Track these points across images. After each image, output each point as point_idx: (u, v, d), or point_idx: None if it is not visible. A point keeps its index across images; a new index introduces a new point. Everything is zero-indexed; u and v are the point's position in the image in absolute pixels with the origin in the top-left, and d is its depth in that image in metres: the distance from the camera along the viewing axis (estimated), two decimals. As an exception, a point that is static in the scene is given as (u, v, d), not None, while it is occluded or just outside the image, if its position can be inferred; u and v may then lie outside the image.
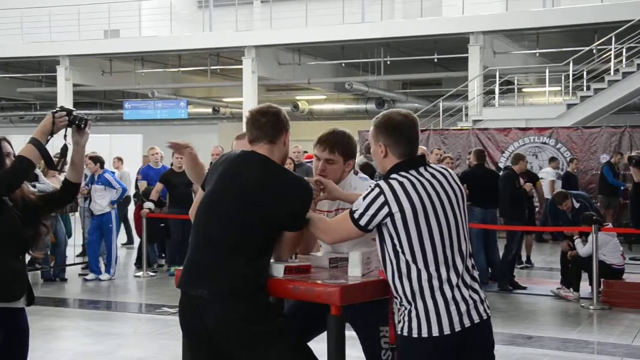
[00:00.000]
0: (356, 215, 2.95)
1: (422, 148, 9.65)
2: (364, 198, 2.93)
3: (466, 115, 17.23)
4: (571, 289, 8.56)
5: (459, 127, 16.61)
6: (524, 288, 9.25)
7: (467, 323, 2.87)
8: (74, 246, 11.23)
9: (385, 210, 2.87)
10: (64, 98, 21.20)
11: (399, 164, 2.98)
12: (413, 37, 18.10)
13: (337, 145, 3.52)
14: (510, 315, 7.87)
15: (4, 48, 21.43)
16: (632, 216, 8.06)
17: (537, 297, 8.92)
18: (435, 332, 2.85)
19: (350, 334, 3.24)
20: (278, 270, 3.20)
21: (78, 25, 20.24)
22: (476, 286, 2.96)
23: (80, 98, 23.98)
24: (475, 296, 2.93)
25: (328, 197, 3.44)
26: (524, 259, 11.01)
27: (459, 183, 3.06)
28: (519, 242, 9.38)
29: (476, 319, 2.90)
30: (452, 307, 2.85)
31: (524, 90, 20.31)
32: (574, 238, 8.51)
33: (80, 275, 10.34)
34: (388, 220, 2.88)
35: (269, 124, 3.17)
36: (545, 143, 14.94)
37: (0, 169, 3.16)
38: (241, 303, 3.00)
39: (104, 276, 9.98)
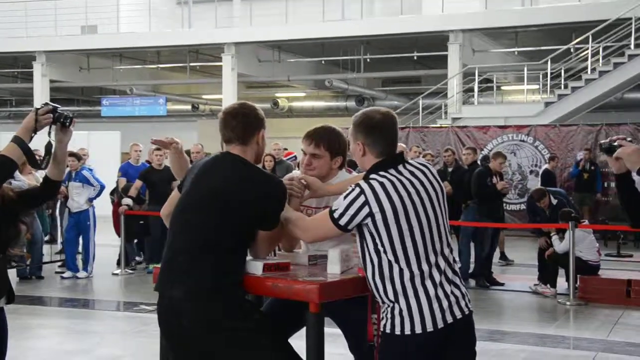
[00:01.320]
0: (336, 215, 2.94)
1: (401, 145, 9.74)
2: (345, 197, 2.93)
3: (445, 113, 17.29)
4: (548, 285, 8.63)
5: (439, 125, 16.66)
6: (502, 284, 9.31)
7: (449, 319, 2.88)
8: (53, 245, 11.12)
9: (366, 210, 2.87)
10: (41, 94, 21.00)
11: (379, 164, 2.97)
12: (393, 35, 18.12)
13: (323, 140, 3.50)
14: (488, 312, 7.92)
15: (-20, 43, 21.17)
16: (628, 214, 8.09)
17: (514, 293, 9.00)
18: (418, 330, 2.85)
19: (329, 330, 3.24)
20: (257, 267, 3.19)
21: (55, 21, 20.04)
22: (457, 281, 2.97)
23: (58, 94, 23.73)
24: (457, 292, 2.94)
25: (313, 196, 3.43)
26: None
27: (438, 179, 3.07)
28: (491, 238, 9.42)
29: (458, 314, 2.91)
30: (435, 304, 2.86)
31: (502, 88, 20.42)
32: (551, 235, 8.57)
33: (57, 272, 10.25)
34: (369, 220, 2.88)
35: (239, 125, 3.16)
36: (523, 141, 15.05)
37: None
38: (216, 302, 2.99)
39: (82, 274, 9.90)
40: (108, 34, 20.64)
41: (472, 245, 9.52)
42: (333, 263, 3.26)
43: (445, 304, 2.88)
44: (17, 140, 3.07)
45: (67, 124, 3.31)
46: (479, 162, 10.53)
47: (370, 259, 2.93)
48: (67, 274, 9.91)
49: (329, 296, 3.10)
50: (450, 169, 10.57)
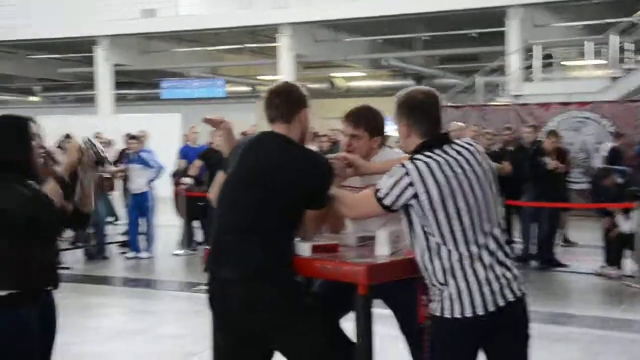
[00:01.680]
0: (380, 194, 2.90)
1: (458, 124, 9.58)
2: (390, 177, 2.89)
3: (505, 90, 16.94)
4: (615, 267, 8.40)
5: (499, 103, 16.34)
6: (565, 266, 9.10)
7: (500, 302, 2.82)
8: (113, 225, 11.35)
9: (411, 191, 2.83)
10: (103, 78, 21.44)
11: (423, 144, 2.92)
12: (451, 12, 17.79)
13: (361, 120, 3.53)
14: (551, 294, 7.77)
15: (44, 29, 21.64)
16: None
17: (578, 275, 8.78)
18: (468, 313, 2.80)
19: (382, 311, 3.21)
20: (305, 249, 3.18)
21: (117, 5, 20.36)
22: (509, 263, 2.90)
23: (119, 78, 24.19)
24: (509, 274, 2.87)
25: (356, 173, 3.42)
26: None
27: (487, 158, 3.00)
28: (550, 219, 9.19)
29: (510, 297, 2.84)
30: (485, 287, 2.81)
31: (565, 64, 19.88)
32: (617, 214, 8.33)
33: (121, 253, 10.48)
34: (414, 201, 2.83)
35: (283, 103, 3.16)
36: (587, 118, 14.63)
37: (27, 153, 3.15)
38: (266, 283, 3.00)
39: (144, 254, 10.10)
40: (168, 17, 20.86)
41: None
42: (382, 244, 3.23)
43: (496, 286, 2.82)
44: (60, 179, 3.12)
45: (102, 162, 3.34)
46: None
47: (418, 241, 2.90)
48: (130, 254, 10.13)
49: (377, 278, 3.08)
50: (510, 148, 10.36)
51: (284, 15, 19.44)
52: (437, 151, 2.88)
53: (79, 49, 23.38)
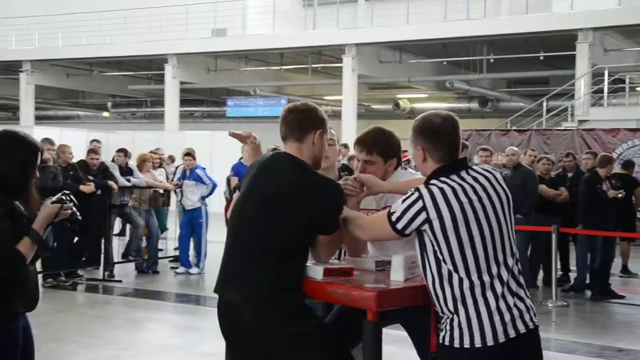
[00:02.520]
0: (393, 218, 2.85)
1: (514, 149, 9.36)
2: (403, 201, 2.84)
3: (572, 115, 16.53)
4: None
5: (563, 128, 15.95)
6: (622, 297, 8.75)
7: (512, 334, 2.73)
8: (166, 240, 11.48)
9: (423, 216, 2.77)
10: (171, 95, 21.92)
11: (440, 169, 2.85)
12: (518, 35, 17.53)
13: (374, 145, 3.46)
14: (602, 326, 7.48)
15: (117, 47, 22.36)
16: None
17: (635, 308, 8.43)
18: (478, 343, 2.71)
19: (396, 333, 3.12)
20: (317, 272, 3.12)
21: (186, 25, 20.83)
22: (522, 294, 2.82)
23: (187, 95, 24.70)
24: (521, 305, 2.78)
25: (370, 193, 3.36)
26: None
27: (504, 186, 2.92)
28: (607, 249, 8.86)
29: (522, 329, 2.75)
30: (496, 317, 2.72)
31: (637, 89, 19.30)
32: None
33: (172, 268, 10.60)
34: (426, 226, 2.77)
35: (296, 121, 3.11)
36: (656, 145, 14.12)
37: (28, 180, 3.18)
38: (272, 307, 2.95)
39: (194, 270, 10.19)
40: (235, 37, 21.22)
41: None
42: (397, 270, 3.15)
43: (507, 317, 2.73)
44: (34, 237, 3.11)
45: (72, 223, 3.35)
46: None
47: (430, 267, 2.82)
48: (181, 269, 10.23)
49: (387, 304, 3.00)
50: (570, 174, 10.08)
51: (349, 36, 19.52)
52: (454, 177, 2.82)
53: (150, 66, 24.01)
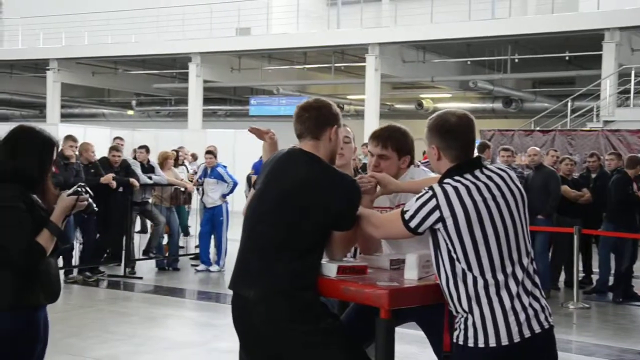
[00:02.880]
0: (407, 217, 2.84)
1: (536, 149, 9.26)
2: (417, 200, 2.83)
3: (597, 115, 16.35)
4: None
5: (588, 128, 15.77)
6: (645, 300, 8.64)
7: (527, 334, 2.71)
8: (186, 238, 11.52)
9: (437, 214, 2.76)
10: (195, 94, 22.02)
11: (454, 168, 2.85)
12: (544, 34, 17.38)
13: (390, 140, 3.45)
14: (623, 328, 7.39)
15: (141, 45, 22.52)
16: None
17: (657, 311, 8.33)
18: (492, 343, 2.70)
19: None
20: (331, 269, 3.11)
21: (210, 24, 20.92)
22: (537, 293, 2.80)
23: (210, 94, 24.81)
24: (536, 304, 2.77)
25: (384, 192, 3.35)
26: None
27: (519, 185, 2.90)
28: (632, 250, 8.75)
29: (537, 329, 2.73)
30: (511, 317, 2.71)
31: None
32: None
33: (192, 265, 10.64)
34: (440, 225, 2.76)
35: (311, 119, 3.09)
36: (682, 146, 13.90)
37: (44, 173, 3.22)
38: (286, 303, 2.95)
39: (214, 267, 10.22)
40: (259, 36, 21.27)
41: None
42: (411, 268, 3.13)
43: (522, 316, 2.72)
44: (53, 229, 3.15)
45: (89, 214, 3.38)
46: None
47: (444, 266, 2.81)
48: (201, 267, 10.27)
49: (400, 303, 2.98)
50: (593, 175, 9.97)
51: (372, 35, 19.48)
52: (468, 175, 2.81)
53: (174, 65, 24.15)
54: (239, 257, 3.13)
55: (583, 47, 17.56)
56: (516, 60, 19.22)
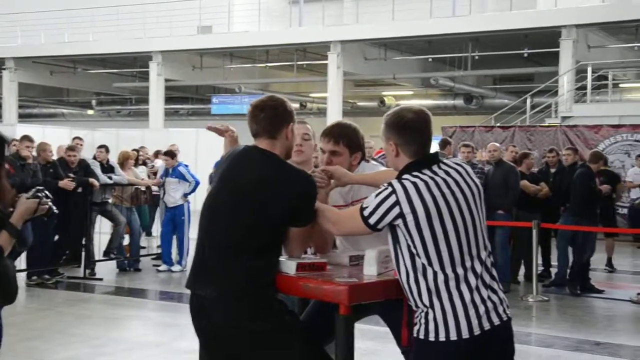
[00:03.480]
0: (366, 213, 2.83)
1: (496, 145, 9.36)
2: (376, 196, 2.83)
3: (555, 111, 16.60)
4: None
5: (547, 124, 16.01)
6: (601, 292, 8.79)
7: (486, 326, 2.74)
8: (147, 238, 11.42)
9: (397, 210, 2.76)
10: (156, 93, 21.82)
11: (412, 164, 2.85)
12: (503, 32, 17.58)
13: (342, 136, 3.47)
14: (581, 320, 7.51)
15: (101, 44, 22.23)
16: None
17: (614, 302, 8.47)
18: (453, 336, 2.72)
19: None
20: (290, 266, 3.10)
21: (171, 22, 20.73)
22: (495, 286, 2.83)
23: (172, 93, 24.61)
24: (495, 297, 2.79)
25: (339, 184, 3.37)
26: (605, 261, 10.52)
27: (475, 179, 2.92)
28: (592, 244, 8.90)
29: (496, 321, 2.77)
30: (471, 310, 2.73)
31: (620, 85, 19.40)
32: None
33: (154, 266, 10.54)
34: (400, 221, 2.77)
35: (266, 118, 3.07)
36: (638, 141, 14.20)
37: None
38: (245, 302, 2.93)
39: (176, 267, 10.14)
40: (221, 34, 21.14)
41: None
42: (370, 264, 3.13)
43: (481, 309, 2.74)
44: (12, 231, 3.09)
45: (49, 217, 3.34)
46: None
47: (404, 261, 2.82)
48: (163, 267, 10.18)
49: (359, 298, 2.99)
50: (553, 170, 10.12)
51: (334, 33, 19.51)
52: (426, 171, 2.82)
53: (134, 64, 23.90)
54: (197, 256, 3.10)
55: (541, 44, 17.80)
56: (476, 58, 19.40)
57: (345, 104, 21.36)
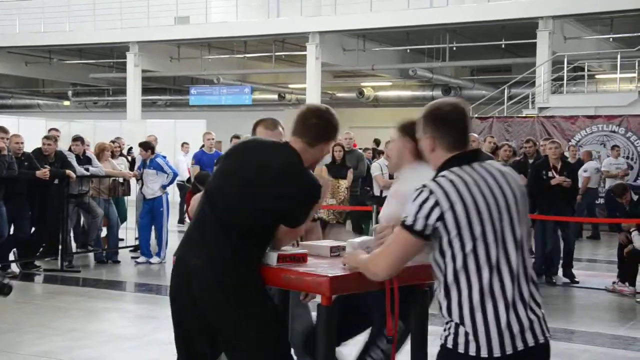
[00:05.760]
0: (408, 222, 2.58)
1: (474, 135, 9.39)
2: (412, 201, 2.59)
3: (532, 102, 16.70)
4: (627, 284, 8.18)
5: (524, 115, 16.11)
6: (576, 282, 8.88)
7: (519, 346, 2.52)
8: (126, 229, 11.34)
9: (437, 211, 2.54)
10: (133, 84, 21.62)
11: (450, 160, 2.65)
12: (480, 22, 17.62)
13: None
14: (556, 309, 7.57)
15: (77, 35, 21.95)
16: None
17: (589, 291, 8.57)
18: (484, 353, 2.52)
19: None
20: (271, 258, 3.14)
21: (148, 12, 20.55)
22: (533, 305, 2.59)
23: (149, 84, 24.41)
24: (533, 316, 2.57)
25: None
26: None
27: (520, 183, 2.69)
28: (555, 233, 8.98)
29: (531, 342, 2.54)
30: (504, 328, 2.52)
31: (596, 77, 19.57)
32: (631, 231, 8.11)
33: (132, 258, 10.48)
34: (440, 223, 2.54)
35: (316, 126, 3.15)
36: (614, 132, 14.34)
37: None
38: (230, 270, 3.01)
39: (155, 259, 10.09)
40: (198, 24, 20.99)
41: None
42: (351, 255, 3.13)
43: (516, 328, 2.53)
44: None
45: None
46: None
47: (440, 269, 2.61)
48: (141, 259, 10.13)
49: (341, 289, 3.02)
50: (531, 161, 10.16)
51: (312, 24, 19.44)
52: (466, 168, 2.63)
53: (111, 54, 23.66)
54: (192, 224, 3.22)
55: (518, 35, 17.87)
56: (454, 49, 19.45)
57: (324, 95, 21.34)
